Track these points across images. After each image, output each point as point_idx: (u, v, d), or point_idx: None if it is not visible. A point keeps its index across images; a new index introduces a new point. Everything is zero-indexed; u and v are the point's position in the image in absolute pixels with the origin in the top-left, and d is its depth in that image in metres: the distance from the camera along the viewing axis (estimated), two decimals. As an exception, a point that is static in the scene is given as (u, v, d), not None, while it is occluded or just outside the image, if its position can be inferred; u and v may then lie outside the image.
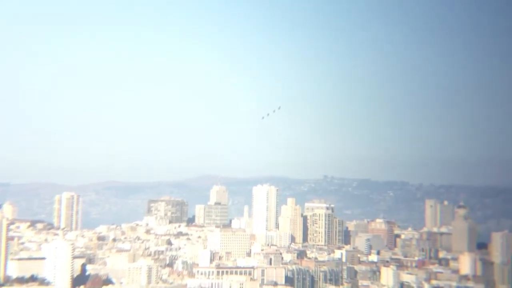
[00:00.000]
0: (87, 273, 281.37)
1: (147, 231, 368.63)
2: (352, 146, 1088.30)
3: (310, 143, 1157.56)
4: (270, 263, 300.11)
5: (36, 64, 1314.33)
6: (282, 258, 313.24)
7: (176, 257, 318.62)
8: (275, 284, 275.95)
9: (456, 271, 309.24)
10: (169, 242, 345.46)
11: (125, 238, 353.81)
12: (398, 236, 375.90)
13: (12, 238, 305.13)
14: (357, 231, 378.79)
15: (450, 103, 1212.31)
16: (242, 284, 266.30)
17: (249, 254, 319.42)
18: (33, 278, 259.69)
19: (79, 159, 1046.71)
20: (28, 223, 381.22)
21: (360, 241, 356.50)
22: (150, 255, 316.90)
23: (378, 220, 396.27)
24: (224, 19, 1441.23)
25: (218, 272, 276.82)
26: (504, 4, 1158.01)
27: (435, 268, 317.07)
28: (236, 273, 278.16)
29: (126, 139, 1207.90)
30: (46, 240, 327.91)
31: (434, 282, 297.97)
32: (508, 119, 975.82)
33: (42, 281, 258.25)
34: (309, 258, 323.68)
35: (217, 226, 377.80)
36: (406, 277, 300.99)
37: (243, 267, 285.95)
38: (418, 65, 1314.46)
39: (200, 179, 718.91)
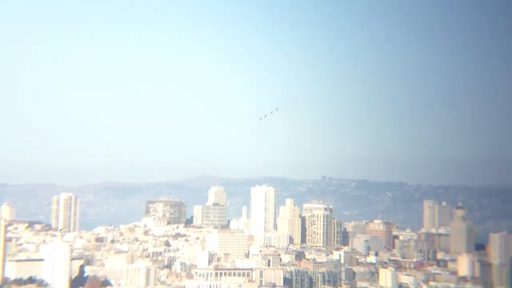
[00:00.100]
0: (85, 275, 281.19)
1: (145, 232, 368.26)
2: (351, 146, 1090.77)
3: (309, 143, 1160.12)
4: (269, 264, 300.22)
5: (36, 64, 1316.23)
6: (281, 259, 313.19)
7: (174, 259, 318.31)
8: (274, 285, 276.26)
9: (454, 273, 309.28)
10: (167, 243, 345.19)
11: (123, 239, 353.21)
12: (396, 237, 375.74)
13: (10, 239, 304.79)
14: (356, 232, 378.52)
15: (449, 103, 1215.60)
16: (241, 286, 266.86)
17: (247, 255, 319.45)
18: (31, 280, 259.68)
19: (78, 159, 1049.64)
20: (26, 224, 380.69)
21: (358, 242, 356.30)
22: (148, 256, 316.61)
23: (376, 221, 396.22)
24: (224, 19, 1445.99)
25: (216, 274, 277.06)
26: (504, 4, 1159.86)
27: (433, 269, 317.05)
28: (234, 274, 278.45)
29: (125, 140, 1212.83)
30: (44, 241, 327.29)
31: (432, 283, 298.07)
32: (507, 119, 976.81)
33: (40, 283, 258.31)
34: (308, 259, 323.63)
35: (215, 227, 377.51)
36: (405, 279, 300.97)
37: (242, 269, 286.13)
38: (418, 65, 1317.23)
39: (198, 180, 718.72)
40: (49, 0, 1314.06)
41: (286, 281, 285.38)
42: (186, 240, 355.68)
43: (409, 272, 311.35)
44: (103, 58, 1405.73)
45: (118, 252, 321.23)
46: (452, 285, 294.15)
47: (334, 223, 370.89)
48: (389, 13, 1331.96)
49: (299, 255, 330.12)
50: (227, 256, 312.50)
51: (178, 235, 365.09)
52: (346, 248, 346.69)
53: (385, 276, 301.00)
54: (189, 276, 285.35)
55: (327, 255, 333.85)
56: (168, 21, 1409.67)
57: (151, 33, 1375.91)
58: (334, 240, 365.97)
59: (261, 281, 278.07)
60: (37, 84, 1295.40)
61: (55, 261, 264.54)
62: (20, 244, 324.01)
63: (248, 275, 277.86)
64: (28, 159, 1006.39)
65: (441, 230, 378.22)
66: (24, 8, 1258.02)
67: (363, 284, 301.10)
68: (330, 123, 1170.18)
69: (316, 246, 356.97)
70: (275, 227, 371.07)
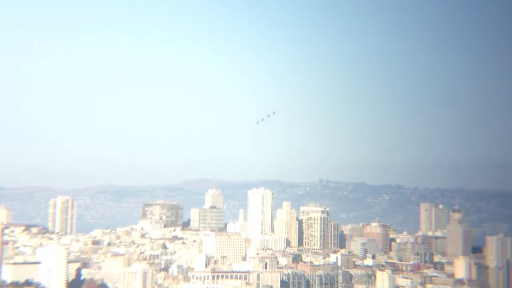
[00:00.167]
0: (82, 278, 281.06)
1: (142, 235, 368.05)
2: (348, 149, 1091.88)
3: (306, 146, 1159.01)
4: (266, 267, 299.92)
5: (33, 65, 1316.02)
6: (278, 262, 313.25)
7: (171, 261, 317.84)
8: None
9: (451, 275, 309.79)
10: (164, 246, 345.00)
11: (120, 242, 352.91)
12: (393, 240, 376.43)
13: (6, 243, 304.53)
14: (353, 235, 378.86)
15: (446, 107, 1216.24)
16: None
17: (244, 258, 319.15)
18: (28, 283, 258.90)
19: (75, 163, 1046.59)
20: (23, 227, 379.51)
21: (355, 245, 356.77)
22: (145, 259, 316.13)
23: (373, 224, 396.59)
24: (224, 19, 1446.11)
25: (213, 277, 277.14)
26: (504, 4, 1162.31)
27: (430, 272, 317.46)
28: (231, 277, 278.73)
29: (122, 142, 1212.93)
30: (41, 244, 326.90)
31: (429, 286, 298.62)
32: (504, 123, 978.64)
33: (37, 286, 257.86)
34: (305, 262, 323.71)
35: (212, 230, 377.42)
36: (401, 281, 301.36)
37: (239, 272, 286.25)
38: (417, 69, 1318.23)
39: (195, 183, 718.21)
40: (49, 0, 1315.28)
41: (283, 284, 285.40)
42: (183, 243, 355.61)
43: (406, 275, 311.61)
44: (103, 58, 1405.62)
45: (115, 255, 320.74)
46: (449, 287, 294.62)
47: (331, 226, 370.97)
48: (389, 13, 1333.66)
49: (296, 258, 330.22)
50: (224, 259, 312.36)
51: (175, 238, 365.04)
52: (343, 251, 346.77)
53: (382, 279, 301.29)
54: (186, 279, 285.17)
55: (324, 258, 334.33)
56: (168, 21, 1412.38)
57: (151, 33, 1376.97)
58: (331, 243, 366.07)
59: (258, 284, 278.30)
60: (34, 86, 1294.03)
61: (52, 264, 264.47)
62: (17, 247, 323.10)
63: (245, 278, 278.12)
64: (24, 162, 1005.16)
65: (438, 233, 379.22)
66: (24, 8, 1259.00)
67: (360, 286, 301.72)
68: (327, 126, 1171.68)
69: (313, 249, 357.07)
70: (272, 230, 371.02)
